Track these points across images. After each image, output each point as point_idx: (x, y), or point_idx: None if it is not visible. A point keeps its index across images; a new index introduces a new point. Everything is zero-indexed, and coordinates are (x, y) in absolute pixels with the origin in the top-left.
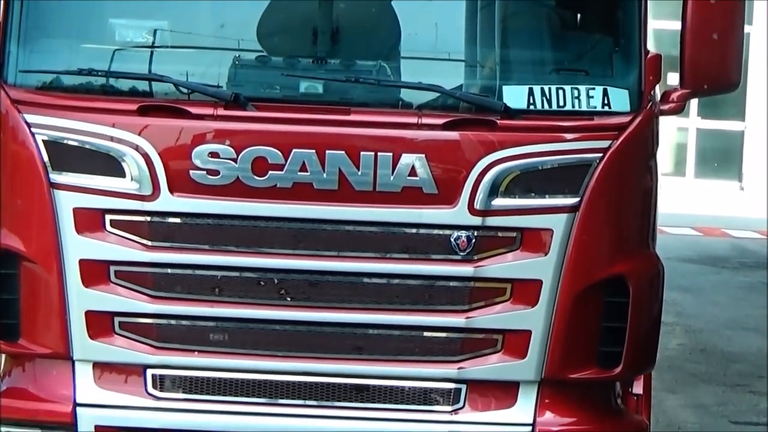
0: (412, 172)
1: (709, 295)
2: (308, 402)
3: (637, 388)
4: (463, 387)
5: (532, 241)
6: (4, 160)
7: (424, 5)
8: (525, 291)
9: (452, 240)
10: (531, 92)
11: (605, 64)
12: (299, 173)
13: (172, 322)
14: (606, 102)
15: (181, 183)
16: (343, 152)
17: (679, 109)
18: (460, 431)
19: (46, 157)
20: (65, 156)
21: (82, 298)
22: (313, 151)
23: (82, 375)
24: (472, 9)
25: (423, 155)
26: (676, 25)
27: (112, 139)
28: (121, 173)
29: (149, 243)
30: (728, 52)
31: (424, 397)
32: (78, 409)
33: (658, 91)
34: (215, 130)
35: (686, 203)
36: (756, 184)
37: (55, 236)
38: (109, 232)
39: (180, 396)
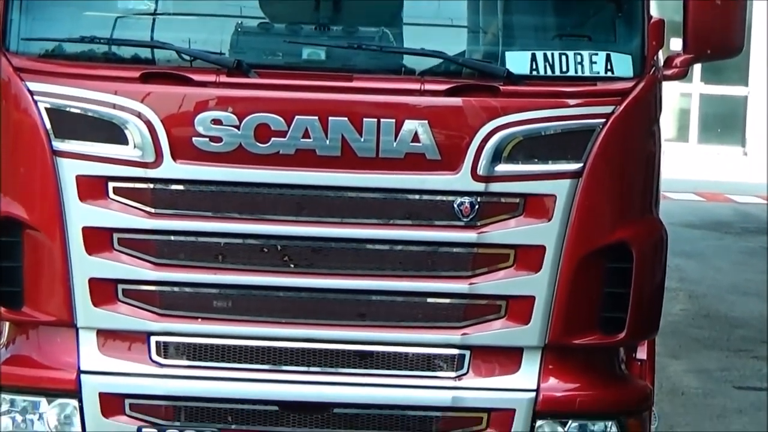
0: (415, 138)
1: (712, 260)
2: (312, 368)
3: (641, 353)
4: (467, 353)
5: (535, 207)
6: (6, 128)
7: None
8: (528, 257)
9: (455, 206)
10: (534, 58)
11: (608, 29)
12: (302, 140)
13: (176, 289)
14: (609, 67)
15: (183, 150)
16: (346, 119)
17: (682, 75)
18: (464, 397)
19: (48, 125)
20: (68, 123)
21: (85, 266)
22: (316, 117)
23: (85, 342)
24: None
25: (426, 121)
26: None
27: (114, 106)
28: (123, 140)
29: (152, 210)
30: (731, 17)
31: (428, 364)
32: (82, 376)
33: (661, 57)
34: (218, 97)
35: (689, 169)
36: (759, 150)
37: (57, 204)
38: (112, 199)
39: (184, 363)
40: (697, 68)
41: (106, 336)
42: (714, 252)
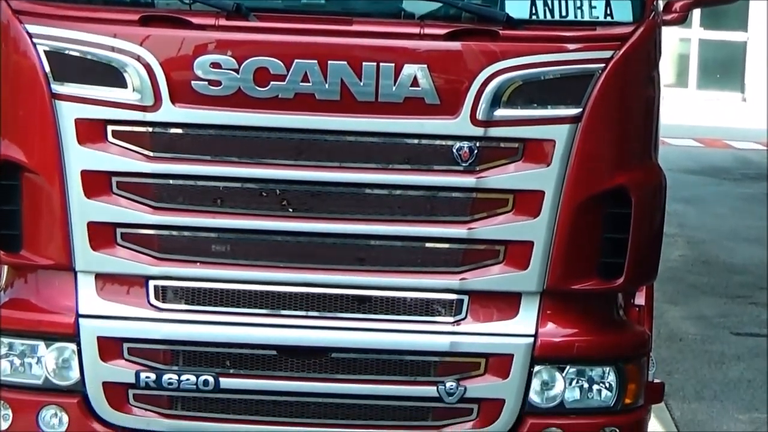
0: (414, 82)
1: (711, 206)
2: (310, 313)
3: (639, 299)
4: (465, 298)
5: (534, 151)
6: (5, 71)
7: None
8: (527, 202)
9: (454, 151)
10: (533, 2)
11: None
12: (301, 84)
13: (174, 233)
14: (609, 12)
15: (182, 93)
16: (345, 63)
17: (682, 20)
18: (462, 342)
19: (47, 68)
20: (67, 66)
21: (84, 209)
22: (315, 61)
23: (84, 286)
24: None
25: (425, 65)
26: None
27: (113, 49)
28: (122, 84)
29: (151, 154)
30: None
31: (426, 308)
32: (80, 320)
33: (660, 2)
34: (217, 40)
35: (688, 114)
36: (758, 96)
37: (56, 147)
38: (111, 143)
39: (182, 307)
40: (696, 13)
41: (104, 280)
42: (713, 198)
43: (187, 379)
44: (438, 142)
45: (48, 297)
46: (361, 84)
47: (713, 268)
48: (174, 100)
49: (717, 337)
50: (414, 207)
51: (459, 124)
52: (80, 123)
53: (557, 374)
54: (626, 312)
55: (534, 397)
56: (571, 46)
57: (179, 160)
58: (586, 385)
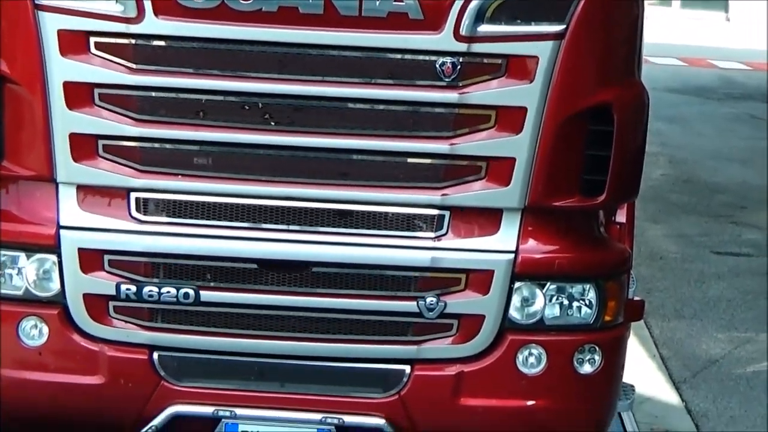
0: None
1: (694, 125)
2: (291, 227)
3: (620, 217)
4: (447, 214)
5: (517, 68)
6: None
7: None
8: (509, 118)
9: (437, 66)
10: None
11: None
12: None
13: (156, 145)
14: None
15: (165, 6)
16: None
17: None
18: (443, 257)
19: None
20: None
21: (66, 121)
22: None
23: (65, 198)
24: None
25: None
26: None
27: None
28: None
29: (133, 66)
30: None
31: (407, 224)
32: (61, 231)
33: None
34: None
35: (672, 33)
36: (742, 15)
37: (39, 58)
38: (94, 54)
39: (163, 219)
40: None
41: (86, 192)
42: (696, 117)
43: (168, 292)
44: (421, 57)
45: (29, 208)
46: None
47: (695, 187)
48: (157, 12)
49: (697, 256)
50: (396, 122)
51: (442, 40)
52: (63, 34)
53: (537, 291)
54: (607, 229)
55: (514, 313)
56: None
57: (162, 73)
58: (566, 302)
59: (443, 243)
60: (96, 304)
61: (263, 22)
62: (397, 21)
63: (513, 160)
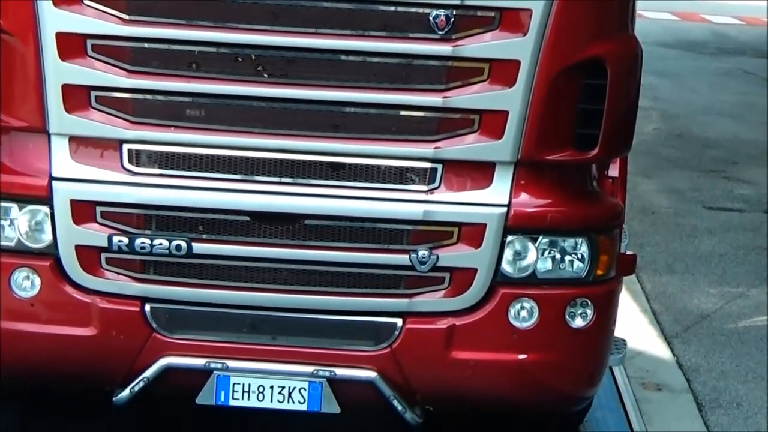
0: None
1: (687, 80)
2: (284, 179)
3: (613, 171)
4: (439, 167)
5: (510, 21)
6: None
7: None
8: (502, 71)
9: (431, 18)
10: None
11: None
12: None
13: (149, 96)
14: None
15: None
16: None
17: None
18: (435, 211)
19: None
20: None
21: (58, 72)
22: None
23: (58, 149)
24: None
25: None
26: None
27: None
28: None
29: (126, 17)
30: None
31: (400, 177)
32: (54, 182)
33: None
34: None
35: None
36: None
37: (32, 9)
38: (86, 5)
39: (155, 171)
40: None
41: (78, 143)
42: (689, 72)
43: (160, 244)
44: (414, 9)
45: (21, 159)
46: None
47: (687, 142)
48: None
49: (690, 211)
50: (389, 75)
51: None
52: None
53: (530, 244)
54: (600, 184)
55: (506, 267)
56: None
57: (155, 24)
58: (558, 256)
59: (435, 196)
60: (88, 256)
61: None
62: None
63: (506, 113)
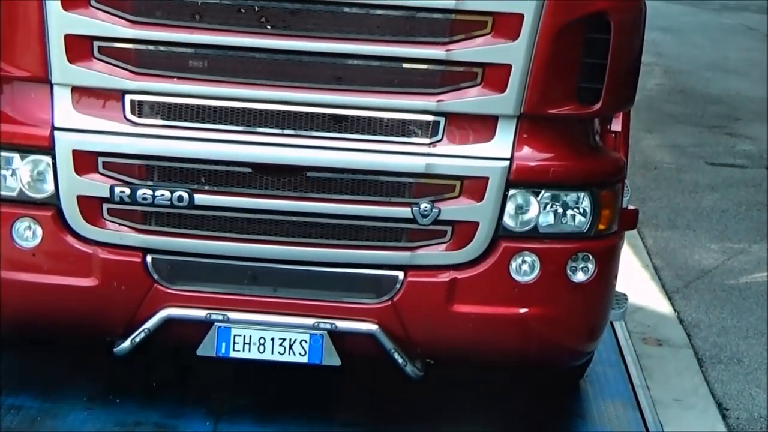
0: None
1: (690, 36)
2: (286, 131)
3: (616, 125)
4: (442, 120)
5: None
6: None
7: None
8: (506, 24)
9: None
10: None
11: None
12: None
13: (152, 47)
14: None
15: None
16: None
17: None
18: (437, 164)
19: None
20: None
21: (61, 22)
22: None
23: (60, 99)
24: None
25: None
26: None
27: None
28: None
29: None
30: None
31: (402, 129)
32: (56, 133)
33: None
34: None
35: None
36: None
37: None
38: None
39: (158, 122)
40: None
41: (81, 93)
42: (693, 28)
43: (162, 195)
44: None
45: (24, 109)
46: None
47: (690, 98)
48: None
49: (691, 167)
50: (393, 27)
51: None
52: None
53: (532, 198)
54: (602, 138)
55: (508, 221)
56: None
57: None
58: (560, 210)
59: (438, 149)
60: (90, 206)
61: None
62: None
63: (509, 66)
